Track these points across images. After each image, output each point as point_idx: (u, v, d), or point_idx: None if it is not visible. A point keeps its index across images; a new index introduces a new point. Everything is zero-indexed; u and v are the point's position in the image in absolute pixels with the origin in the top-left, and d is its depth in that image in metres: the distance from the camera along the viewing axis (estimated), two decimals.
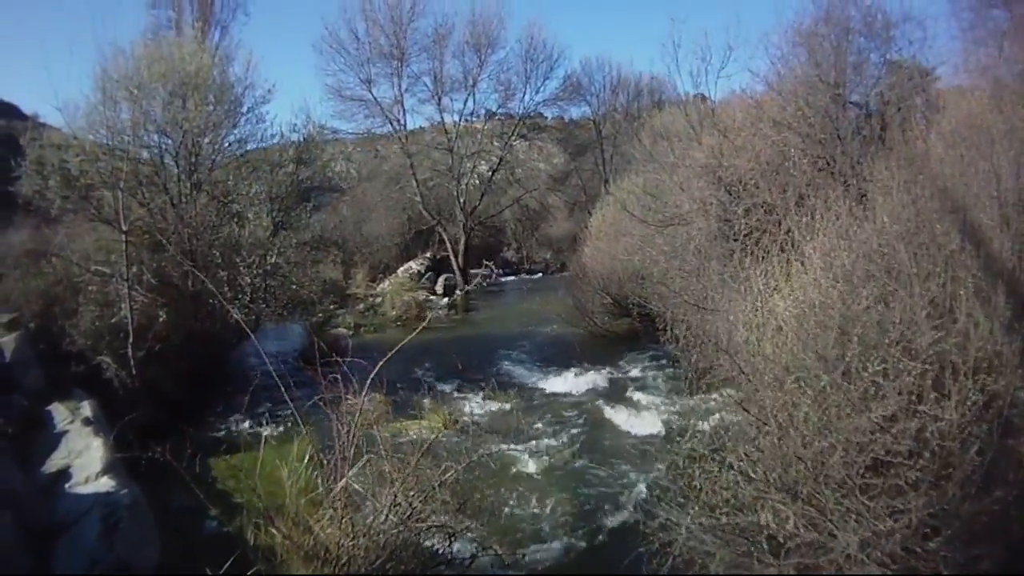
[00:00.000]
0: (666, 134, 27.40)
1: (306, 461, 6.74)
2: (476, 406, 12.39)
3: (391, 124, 28.90)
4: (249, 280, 12.46)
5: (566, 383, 13.58)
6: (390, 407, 12.34)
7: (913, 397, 4.84)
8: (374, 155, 33.81)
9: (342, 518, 5.48)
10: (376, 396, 12.60)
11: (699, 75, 15.02)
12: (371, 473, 6.09)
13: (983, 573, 4.74)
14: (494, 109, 31.28)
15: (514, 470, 9.48)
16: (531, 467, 9.59)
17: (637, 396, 12.44)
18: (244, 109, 14.62)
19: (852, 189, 8.39)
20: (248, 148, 14.84)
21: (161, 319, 11.73)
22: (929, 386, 4.85)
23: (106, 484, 7.27)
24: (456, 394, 13.08)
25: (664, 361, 14.23)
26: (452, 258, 28.63)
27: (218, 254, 12.44)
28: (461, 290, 27.54)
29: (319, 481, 6.28)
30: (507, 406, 12.06)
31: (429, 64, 29.38)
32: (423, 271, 28.43)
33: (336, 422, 6.51)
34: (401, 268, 28.61)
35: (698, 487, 5.67)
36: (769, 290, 6.95)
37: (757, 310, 6.88)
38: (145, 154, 13.40)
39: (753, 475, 5.43)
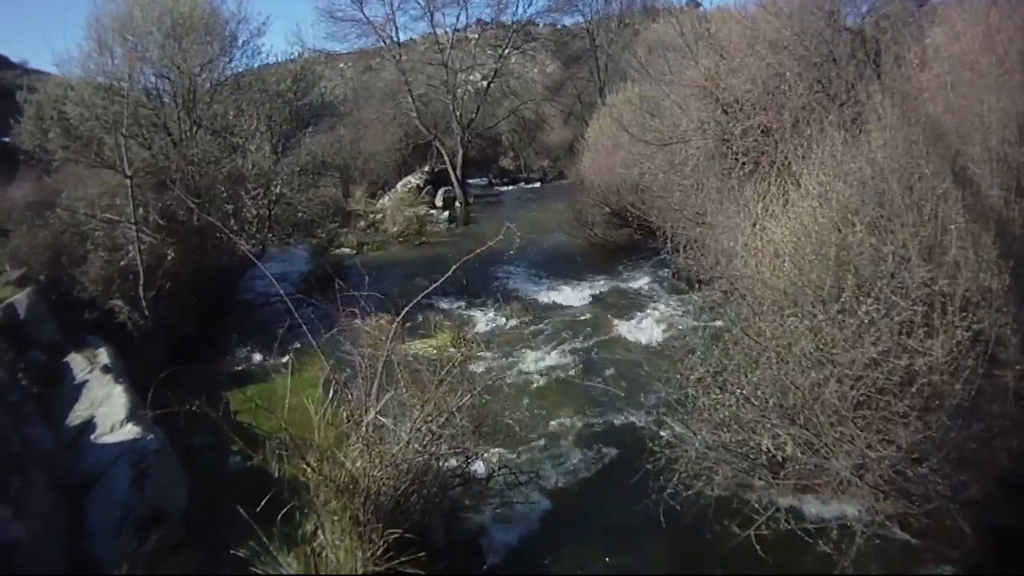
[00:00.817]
0: (660, 46, 27.28)
1: (328, 393, 6.55)
2: (485, 322, 12.91)
3: (383, 42, 28.56)
4: (255, 211, 12.79)
5: (571, 295, 14.07)
6: (402, 328, 12.89)
7: (903, 335, 5.14)
8: (364, 70, 33.50)
9: (371, 450, 5.67)
10: (386, 318, 13.19)
11: None
12: (392, 404, 6.23)
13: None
14: (487, 22, 30.81)
15: (526, 388, 9.80)
16: (542, 384, 9.95)
17: (640, 307, 12.90)
18: (239, 43, 14.71)
19: (847, 113, 8.59)
20: (244, 76, 14.96)
21: (169, 257, 11.82)
22: (920, 322, 5.12)
23: (131, 431, 7.30)
24: (464, 311, 13.60)
25: (664, 272, 14.75)
26: (450, 171, 28.69)
27: (223, 188, 12.71)
28: (461, 202, 27.84)
29: (342, 412, 6.31)
30: (514, 321, 12.61)
31: None
32: (422, 185, 28.51)
33: (356, 355, 6.78)
34: (400, 183, 28.75)
35: (702, 407, 6.07)
36: (766, 214, 7.26)
37: (755, 235, 7.21)
38: (144, 97, 13.53)
39: (753, 400, 5.81)
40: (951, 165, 6.13)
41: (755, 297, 6.69)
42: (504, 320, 12.79)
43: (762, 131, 10.09)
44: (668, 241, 12.26)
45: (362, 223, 24.04)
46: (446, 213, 24.65)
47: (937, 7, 10.45)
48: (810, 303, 5.76)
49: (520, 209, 26.70)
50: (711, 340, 6.70)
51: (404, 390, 6.45)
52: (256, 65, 15.20)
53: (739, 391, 5.89)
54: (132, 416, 7.57)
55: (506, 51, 30.28)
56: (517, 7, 30.40)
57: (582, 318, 12.64)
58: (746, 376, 5.97)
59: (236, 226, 12.81)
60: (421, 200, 26.40)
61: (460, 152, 29.01)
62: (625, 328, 11.83)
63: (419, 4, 28.74)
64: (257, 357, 11.66)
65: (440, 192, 27.98)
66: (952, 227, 5.36)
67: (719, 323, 7.63)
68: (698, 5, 37.86)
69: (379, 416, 5.93)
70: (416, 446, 5.80)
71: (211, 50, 13.91)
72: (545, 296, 14.24)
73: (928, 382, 4.98)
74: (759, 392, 5.82)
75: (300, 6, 68.85)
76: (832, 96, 9.55)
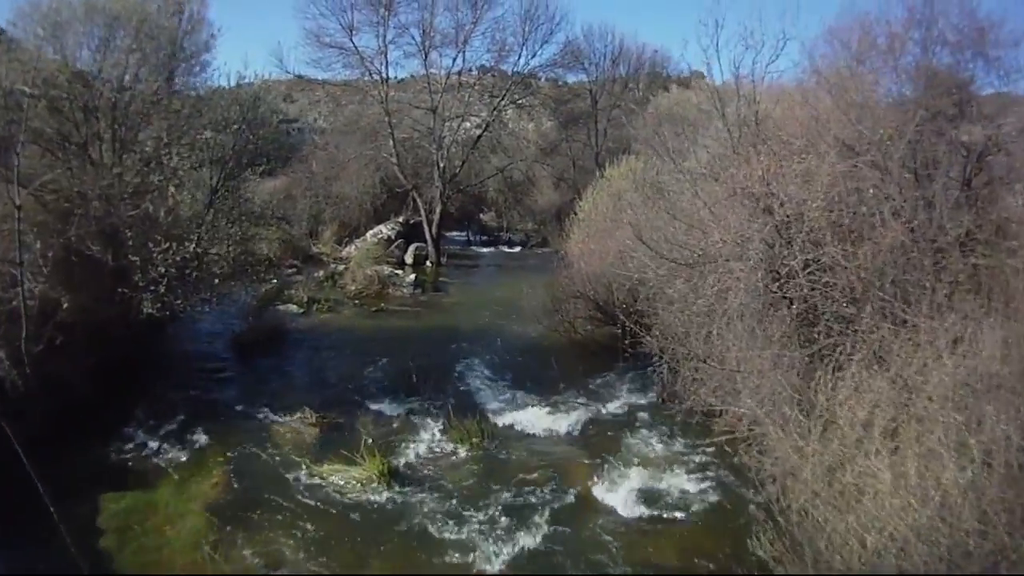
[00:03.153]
0: (671, 119, 25.50)
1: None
2: (427, 442, 10.43)
3: (371, 75, 26.36)
4: (163, 269, 10.26)
5: (539, 418, 11.52)
6: (321, 430, 10.53)
7: None
8: (334, 106, 31.50)
9: None
10: (306, 413, 10.76)
11: (742, 65, 12.21)
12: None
13: None
14: (486, 67, 28.73)
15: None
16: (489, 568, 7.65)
17: (624, 447, 10.50)
18: (184, 55, 12.31)
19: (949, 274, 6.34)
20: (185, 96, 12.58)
21: (65, 306, 9.93)
22: None
23: None
24: (405, 419, 11.19)
25: (651, 391, 12.50)
26: (425, 227, 26.40)
27: (129, 235, 10.25)
28: (433, 261, 25.54)
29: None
30: (464, 449, 10.18)
31: (418, 15, 26.69)
32: (393, 237, 26.24)
33: None
34: (371, 232, 26.48)
35: None
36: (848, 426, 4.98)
37: (837, 467, 4.93)
38: (62, 105, 11.05)
39: None
40: None
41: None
42: (451, 445, 10.31)
43: (826, 269, 7.77)
44: (664, 360, 10.54)
45: (320, 272, 21.61)
46: (412, 276, 22.14)
47: None
48: None
49: (496, 279, 24.23)
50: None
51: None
52: (202, 84, 12.74)
53: None
54: None
55: (502, 102, 28.21)
56: (520, 56, 28.20)
57: (548, 458, 10.18)
58: None
59: (142, 280, 10.37)
60: (389, 255, 23.97)
61: (439, 207, 26.75)
62: (602, 488, 9.34)
63: (414, 40, 26.61)
64: (152, 444, 9.96)
65: (412, 248, 25.73)
66: None
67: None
68: (702, 76, 36.59)
69: None
70: None
71: (147, 58, 11.52)
72: (507, 414, 11.65)
73: None
74: None
75: (285, 22, 66.23)
76: (933, 241, 7.24)
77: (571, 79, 33.08)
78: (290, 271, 21.62)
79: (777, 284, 8.32)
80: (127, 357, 11.37)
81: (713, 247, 9.26)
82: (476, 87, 28.58)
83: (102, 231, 10.36)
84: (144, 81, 11.62)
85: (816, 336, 8.06)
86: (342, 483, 8.89)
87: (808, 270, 8.04)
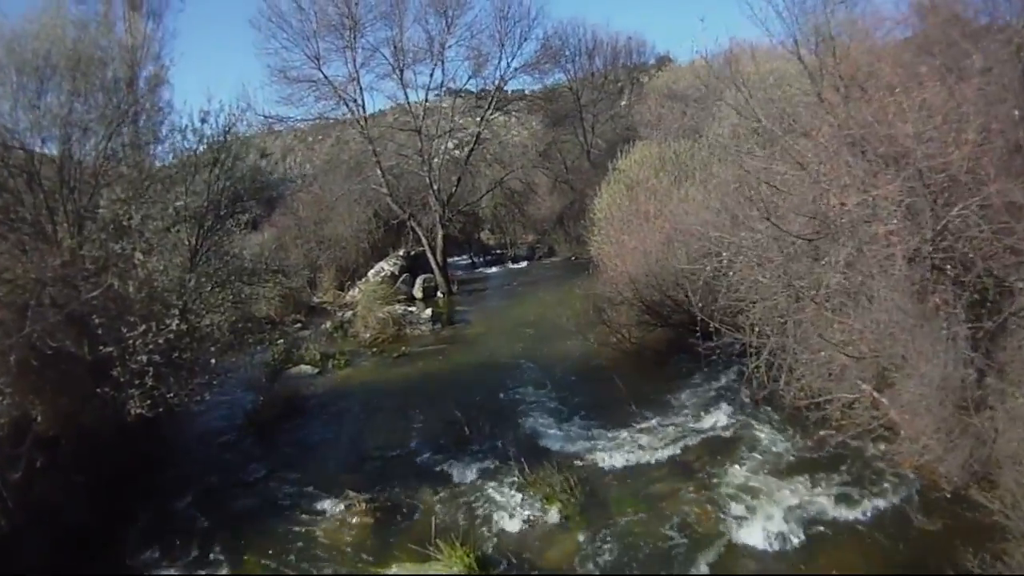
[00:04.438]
0: (672, 98, 24.03)
1: None
2: (507, 509, 8.36)
3: (346, 105, 24.48)
4: (144, 357, 8.22)
5: (625, 449, 9.54)
6: (374, 518, 8.57)
7: None
8: (306, 149, 29.81)
9: None
10: (351, 499, 8.82)
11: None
12: None
13: None
14: (465, 80, 26.82)
15: None
16: None
17: (748, 474, 8.53)
18: (137, 96, 10.41)
19: None
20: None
21: (38, 418, 8.18)
22: None
23: None
24: (470, 481, 9.15)
25: (731, 393, 10.78)
26: (429, 255, 24.50)
27: (96, 319, 8.28)
28: (444, 292, 23.67)
29: None
30: (556, 511, 8.13)
31: (387, 32, 24.70)
32: (397, 272, 24.32)
33: None
34: (372, 271, 24.54)
35: None
36: None
37: None
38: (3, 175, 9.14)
39: None
40: None
41: None
42: (537, 508, 8.26)
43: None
44: (753, 354, 8.81)
45: (328, 324, 19.66)
46: (428, 310, 20.16)
47: None
48: None
49: (514, 297, 22.39)
50: None
51: None
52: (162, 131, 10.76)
53: None
54: None
55: (488, 112, 26.34)
56: (500, 58, 26.30)
57: (654, 499, 8.24)
58: None
59: (122, 375, 8.43)
60: (397, 292, 22.00)
61: (440, 232, 24.90)
62: (734, 524, 7.50)
63: (386, 59, 24.76)
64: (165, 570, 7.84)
65: (419, 280, 23.80)
66: None
67: None
68: (670, 61, 35.31)
69: None
70: None
71: (97, 104, 9.66)
72: (585, 452, 9.63)
73: None
74: None
75: (254, 68, 64.25)
76: None
77: (551, 80, 31.40)
78: (295, 326, 19.70)
79: (930, 246, 6.47)
80: (125, 465, 9.42)
81: (832, 211, 7.37)
82: (457, 105, 26.74)
83: (70, 319, 8.45)
84: (95, 135, 9.70)
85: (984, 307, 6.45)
86: None
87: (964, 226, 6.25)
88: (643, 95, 28.67)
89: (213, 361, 9.60)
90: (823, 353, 7.89)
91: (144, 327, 8.26)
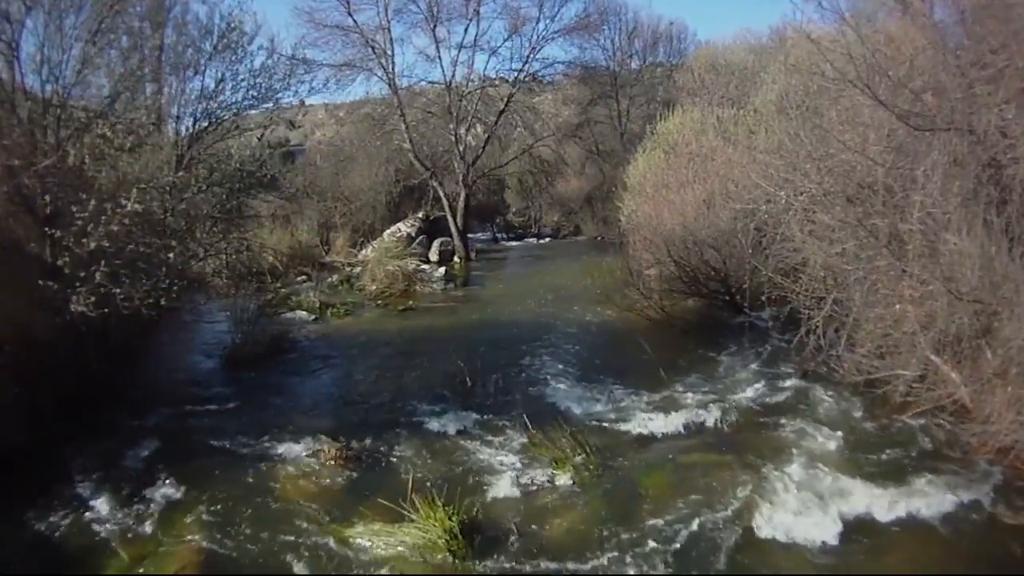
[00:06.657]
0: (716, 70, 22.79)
1: None
2: (506, 470, 7.08)
3: (373, 50, 23.13)
4: (94, 244, 6.82)
5: (652, 416, 8.24)
6: (347, 467, 7.27)
7: None
8: (341, 120, 28.50)
9: None
10: (322, 444, 7.53)
11: None
12: None
13: None
14: (500, 41, 25.31)
15: None
16: None
17: (792, 450, 7.22)
18: None
19: None
20: None
21: None
22: None
23: None
24: (464, 442, 7.82)
25: (774, 362, 9.62)
26: (450, 219, 23.27)
27: (47, 199, 6.95)
28: (462, 257, 22.39)
29: None
30: (565, 477, 6.83)
31: None
32: (414, 234, 23.08)
33: None
34: (387, 231, 23.26)
35: None
36: None
37: None
38: None
39: None
40: None
41: None
42: (542, 471, 6.96)
43: None
44: (806, 317, 7.78)
45: (334, 277, 18.48)
46: (442, 269, 18.96)
47: None
48: None
49: (536, 266, 21.15)
50: None
51: None
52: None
53: None
54: None
55: (523, 72, 24.94)
56: (538, 22, 24.85)
57: (684, 472, 6.94)
58: None
59: (68, 266, 7.17)
60: (411, 252, 20.66)
61: (463, 195, 23.60)
62: (774, 506, 6.19)
63: (419, 8, 23.43)
64: (100, 508, 6.59)
65: (436, 244, 22.52)
66: None
67: None
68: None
69: None
70: None
71: None
72: (605, 416, 8.33)
73: None
74: None
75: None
76: None
77: (588, 57, 29.98)
78: (300, 279, 18.49)
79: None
80: (76, 386, 8.12)
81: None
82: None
83: (22, 198, 7.20)
84: None
85: None
86: (387, 552, 5.65)
87: None
88: (685, 65, 27.14)
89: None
90: (894, 308, 6.57)
91: (95, 205, 6.91)
